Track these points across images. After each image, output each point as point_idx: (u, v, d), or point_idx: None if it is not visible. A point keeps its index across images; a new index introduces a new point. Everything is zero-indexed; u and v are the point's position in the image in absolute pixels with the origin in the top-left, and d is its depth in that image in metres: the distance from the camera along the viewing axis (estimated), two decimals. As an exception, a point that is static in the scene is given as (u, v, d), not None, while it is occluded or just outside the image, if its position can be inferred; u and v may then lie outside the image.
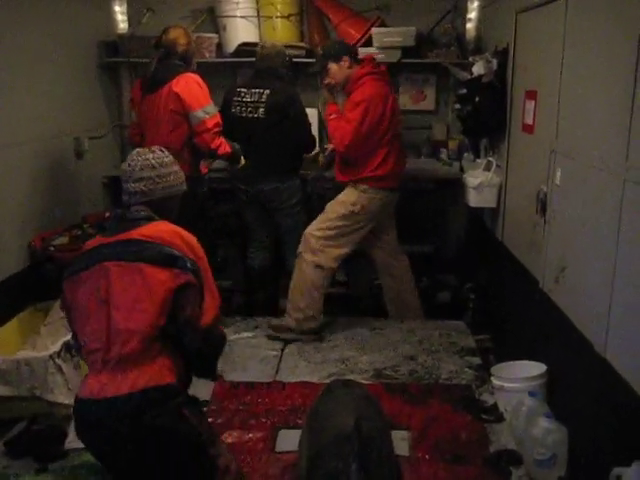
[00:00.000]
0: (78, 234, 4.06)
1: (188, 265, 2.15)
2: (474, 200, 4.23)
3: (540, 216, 3.24)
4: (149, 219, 2.26)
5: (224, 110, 4.27)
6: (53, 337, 3.59)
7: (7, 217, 3.67)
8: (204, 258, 2.27)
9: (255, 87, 4.30)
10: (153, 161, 2.32)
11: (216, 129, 3.86)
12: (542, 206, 3.21)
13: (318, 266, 4.06)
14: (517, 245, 3.76)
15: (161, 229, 2.23)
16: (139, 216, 2.26)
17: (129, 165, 2.33)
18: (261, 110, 4.28)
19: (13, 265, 3.72)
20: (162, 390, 2.10)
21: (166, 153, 2.40)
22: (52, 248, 3.84)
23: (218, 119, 3.89)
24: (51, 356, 3.13)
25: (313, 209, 4.51)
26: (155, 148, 2.40)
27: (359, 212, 4.03)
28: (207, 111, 3.82)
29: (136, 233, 2.19)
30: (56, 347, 3.21)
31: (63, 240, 3.95)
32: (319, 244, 4.04)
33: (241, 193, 4.49)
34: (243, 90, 4.34)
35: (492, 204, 4.18)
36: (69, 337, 3.29)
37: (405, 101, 5.27)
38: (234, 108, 4.33)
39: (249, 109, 4.30)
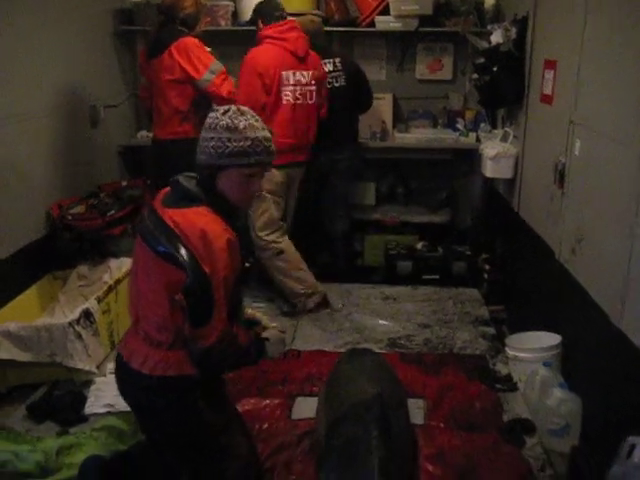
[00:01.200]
0: (94, 203, 4.07)
1: (188, 283, 1.93)
2: (491, 171, 4.20)
3: (557, 187, 3.22)
4: (194, 200, 2.04)
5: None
6: (71, 305, 3.64)
7: (25, 185, 3.69)
8: (221, 274, 1.96)
9: (322, 58, 4.25)
10: (208, 120, 2.07)
11: (225, 82, 3.82)
12: (560, 177, 3.19)
13: (276, 254, 4.08)
14: (533, 216, 3.75)
15: (192, 221, 1.98)
16: (186, 191, 2.05)
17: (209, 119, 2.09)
18: (343, 77, 4.36)
19: (32, 233, 3.75)
20: (180, 380, 2.07)
21: (232, 116, 2.04)
22: (69, 217, 3.86)
23: (224, 72, 3.85)
24: (70, 323, 3.17)
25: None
26: (234, 107, 2.08)
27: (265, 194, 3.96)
28: (212, 70, 3.79)
29: (170, 216, 2.01)
30: (75, 314, 3.25)
31: (80, 209, 3.97)
32: (262, 239, 4.05)
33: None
34: None
35: (509, 175, 4.16)
36: (87, 305, 3.35)
37: (422, 70, 5.23)
38: None
39: (328, 79, 4.29)
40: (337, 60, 4.38)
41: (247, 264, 2.29)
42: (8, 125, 3.52)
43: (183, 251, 1.94)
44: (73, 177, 4.22)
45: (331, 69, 4.34)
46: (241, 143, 2.01)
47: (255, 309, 2.47)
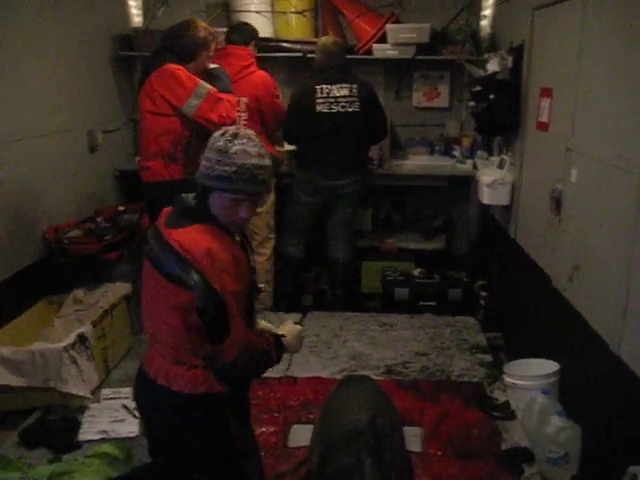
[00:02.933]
0: (91, 227, 4.06)
1: (199, 304, 1.92)
2: (487, 197, 4.22)
3: (554, 214, 3.23)
4: (196, 218, 2.02)
5: (298, 112, 4.36)
6: (67, 329, 3.60)
7: (22, 209, 3.69)
8: (230, 288, 1.95)
9: (340, 82, 4.32)
10: (218, 143, 2.00)
11: (217, 105, 3.58)
12: (557, 204, 3.19)
13: None
14: (530, 243, 3.75)
15: (195, 240, 1.96)
16: (188, 209, 2.05)
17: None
18: (357, 104, 4.33)
19: (27, 257, 3.74)
20: (209, 397, 2.06)
21: (227, 139, 2.00)
22: (66, 241, 3.85)
23: (214, 94, 3.58)
24: (65, 348, 3.15)
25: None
26: (247, 132, 2.04)
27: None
28: (198, 94, 3.53)
29: (174, 237, 1.98)
30: (70, 339, 3.23)
31: (77, 233, 3.95)
32: None
33: (312, 188, 4.48)
34: (326, 87, 4.31)
35: (505, 202, 4.17)
36: (83, 329, 3.33)
37: (419, 98, 5.28)
38: (320, 106, 4.30)
39: (341, 104, 4.31)
40: (354, 86, 4.33)
41: (260, 286, 2.29)
42: (4, 148, 3.52)
43: (191, 272, 1.91)
44: (70, 201, 4.23)
45: (346, 94, 4.32)
46: (226, 168, 1.97)
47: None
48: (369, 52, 4.89)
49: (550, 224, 3.31)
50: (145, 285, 2.13)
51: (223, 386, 2.07)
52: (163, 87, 3.55)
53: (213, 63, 3.83)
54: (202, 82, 3.59)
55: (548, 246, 3.35)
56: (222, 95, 3.64)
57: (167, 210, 2.16)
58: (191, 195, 2.10)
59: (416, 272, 4.88)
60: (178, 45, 3.62)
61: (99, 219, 4.20)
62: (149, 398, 2.15)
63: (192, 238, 1.97)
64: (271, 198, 4.48)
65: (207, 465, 2.16)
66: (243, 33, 4.32)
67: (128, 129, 5.20)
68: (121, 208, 4.44)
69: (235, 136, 2.01)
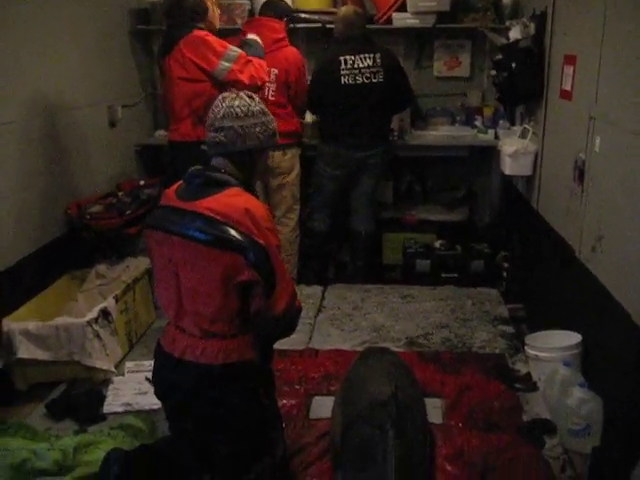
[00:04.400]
0: (113, 202, 4.10)
1: (252, 258, 1.99)
2: (509, 168, 4.17)
3: (577, 184, 3.19)
4: (222, 184, 2.10)
5: (323, 84, 4.34)
6: (90, 304, 3.65)
7: (43, 185, 3.71)
8: (274, 243, 2.06)
9: (363, 52, 4.28)
10: (238, 109, 2.12)
11: (247, 67, 3.70)
12: (580, 174, 3.15)
13: None
14: (553, 214, 3.71)
15: (231, 204, 2.04)
16: (213, 178, 2.11)
17: (212, 111, 2.16)
18: (381, 74, 4.29)
19: (50, 232, 3.78)
20: (241, 366, 2.12)
21: (256, 101, 2.19)
22: (88, 216, 3.88)
23: (243, 57, 3.70)
24: (88, 322, 3.19)
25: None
26: (243, 94, 2.19)
27: None
28: (228, 58, 3.64)
29: (204, 206, 2.04)
30: (93, 313, 3.27)
31: (98, 208, 3.99)
32: None
33: (339, 160, 4.46)
34: (350, 58, 4.27)
35: (528, 172, 4.12)
36: (105, 304, 3.37)
37: (440, 67, 5.19)
38: (344, 78, 4.27)
39: (365, 75, 4.28)
40: (377, 55, 4.29)
41: None
42: (27, 123, 3.55)
43: (234, 232, 1.99)
44: (91, 176, 4.25)
45: (370, 64, 4.27)
46: (274, 124, 2.22)
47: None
48: (389, 21, 4.81)
49: (573, 194, 3.27)
50: (169, 265, 2.14)
51: (253, 354, 2.13)
52: (194, 53, 3.64)
53: (250, 33, 4.02)
54: (232, 46, 3.71)
55: (571, 217, 3.31)
56: (251, 58, 3.75)
57: (173, 189, 2.19)
58: (201, 167, 2.15)
59: (437, 244, 4.85)
60: (188, 6, 3.69)
61: (120, 194, 4.23)
62: (177, 377, 2.17)
63: (225, 203, 2.04)
64: (297, 169, 4.47)
65: (237, 435, 2.20)
66: (277, 8, 4.33)
67: (147, 104, 5.20)
68: (142, 182, 4.46)
69: (253, 97, 2.21)
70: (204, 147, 2.21)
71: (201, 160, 2.22)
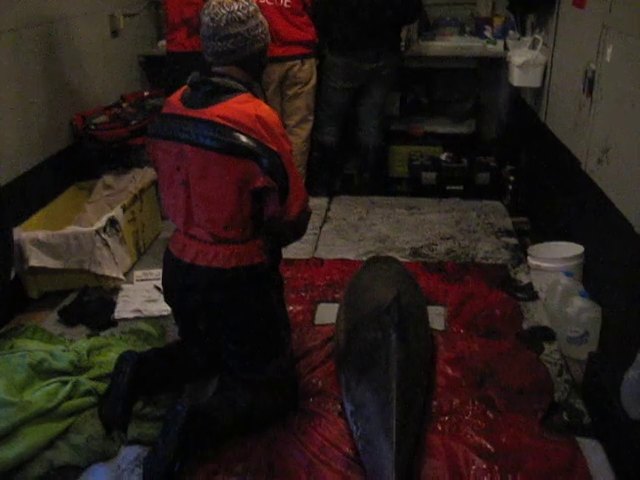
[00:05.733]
0: (117, 113, 4.06)
1: (266, 164, 2.00)
2: (518, 79, 4.11)
3: (586, 96, 3.16)
4: (231, 91, 2.07)
5: None
6: (98, 214, 3.68)
7: (46, 96, 3.67)
8: (287, 148, 2.07)
9: None
10: (240, 13, 2.06)
11: None
12: (589, 85, 3.12)
13: None
14: (560, 126, 3.68)
15: (242, 110, 2.02)
16: (221, 85, 2.06)
17: (212, 20, 2.06)
18: None
19: (57, 143, 3.77)
20: (253, 269, 2.17)
21: (250, 1, 2.13)
22: (93, 127, 3.86)
23: None
24: (97, 231, 3.23)
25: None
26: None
27: None
28: None
29: (214, 113, 2.02)
30: (101, 223, 3.30)
31: (103, 119, 3.96)
32: None
33: (350, 72, 4.39)
34: None
35: (536, 84, 4.07)
36: (113, 213, 3.40)
37: (449, -25, 5.05)
38: None
39: None
40: None
41: None
42: (29, 32, 3.48)
43: (246, 139, 1.99)
44: (95, 88, 4.20)
45: None
46: (265, 20, 2.18)
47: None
48: None
49: (582, 106, 3.24)
50: (170, 174, 2.16)
51: (263, 258, 2.18)
52: None
53: None
54: None
55: (578, 129, 3.30)
56: None
57: (177, 95, 2.17)
58: (198, 73, 2.12)
59: (444, 156, 4.84)
60: None
61: (124, 104, 4.19)
62: (190, 280, 2.21)
63: (236, 110, 2.02)
64: (313, 79, 4.39)
65: (249, 335, 2.28)
66: None
67: (150, 13, 5.09)
68: (146, 93, 4.41)
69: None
70: (209, 59, 2.14)
71: (201, 69, 2.18)
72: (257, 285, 2.21)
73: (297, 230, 2.26)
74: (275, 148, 2.02)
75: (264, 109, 2.05)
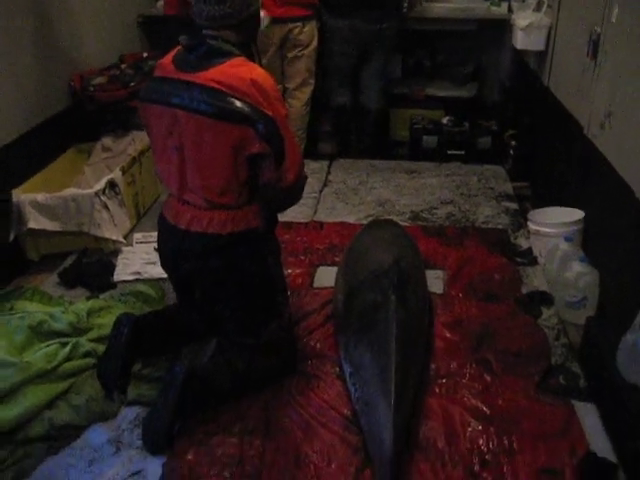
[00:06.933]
0: (116, 74, 4.02)
1: (262, 130, 1.97)
2: (521, 42, 4.06)
3: (591, 59, 3.11)
4: (225, 54, 2.03)
5: None
6: (97, 177, 3.67)
7: (43, 56, 3.63)
8: (283, 113, 2.05)
9: None
10: None
11: None
12: (594, 48, 3.07)
13: None
14: (564, 90, 3.64)
15: (236, 74, 1.98)
16: (215, 49, 2.03)
17: None
18: None
19: (55, 105, 3.72)
20: (249, 234, 2.17)
21: None
22: (91, 88, 3.82)
23: None
24: (96, 193, 3.22)
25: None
26: None
27: None
28: None
29: (208, 77, 1.98)
30: (100, 185, 3.29)
31: (102, 80, 3.91)
32: None
33: (353, 34, 4.32)
34: None
35: (540, 47, 4.01)
36: (112, 175, 3.39)
37: None
38: None
39: None
40: None
41: None
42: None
43: (241, 104, 1.96)
44: (93, 47, 4.14)
45: None
46: None
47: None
48: None
49: (586, 70, 3.20)
50: (163, 140, 2.13)
51: (259, 222, 2.18)
52: None
53: None
54: None
55: (582, 93, 3.26)
56: None
57: (169, 58, 2.12)
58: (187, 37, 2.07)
59: (445, 120, 4.79)
60: None
61: (123, 66, 4.15)
62: (184, 246, 2.21)
63: (231, 74, 1.99)
64: (314, 42, 4.32)
65: (246, 299, 2.29)
66: None
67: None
68: (145, 54, 4.36)
69: None
70: (204, 23, 2.07)
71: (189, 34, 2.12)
72: (253, 249, 2.21)
73: (293, 196, 2.25)
74: (271, 113, 1.99)
75: (259, 73, 2.02)
